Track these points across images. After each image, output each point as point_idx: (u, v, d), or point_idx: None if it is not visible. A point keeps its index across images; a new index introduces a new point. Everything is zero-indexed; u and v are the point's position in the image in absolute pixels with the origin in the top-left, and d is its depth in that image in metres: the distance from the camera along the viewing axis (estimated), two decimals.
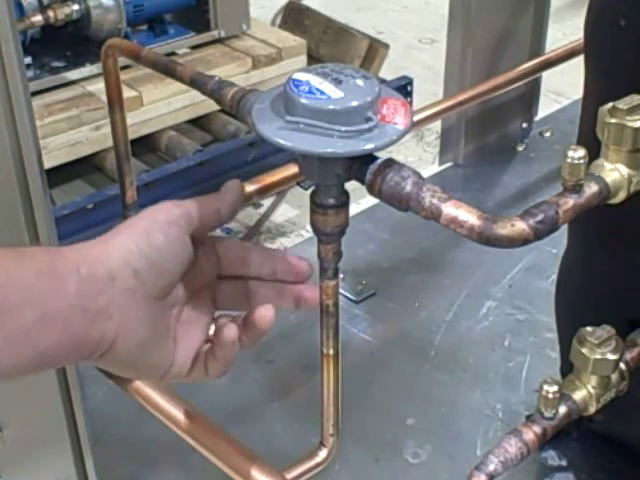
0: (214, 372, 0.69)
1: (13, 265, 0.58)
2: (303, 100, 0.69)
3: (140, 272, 0.62)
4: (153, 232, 0.63)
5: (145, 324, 0.63)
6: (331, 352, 0.88)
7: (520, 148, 1.93)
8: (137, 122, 2.01)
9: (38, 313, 0.57)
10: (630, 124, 0.75)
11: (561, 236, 1.01)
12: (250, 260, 0.71)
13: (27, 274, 0.58)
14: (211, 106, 2.01)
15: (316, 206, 0.76)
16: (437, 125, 1.96)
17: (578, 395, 0.88)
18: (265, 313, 0.68)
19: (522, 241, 0.67)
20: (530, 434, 0.84)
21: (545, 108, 2.03)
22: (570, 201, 0.70)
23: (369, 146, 0.69)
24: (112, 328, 0.61)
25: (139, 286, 0.62)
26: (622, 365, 0.91)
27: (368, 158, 0.72)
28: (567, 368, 0.93)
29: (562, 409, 0.86)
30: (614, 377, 0.90)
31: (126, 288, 0.61)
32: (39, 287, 0.58)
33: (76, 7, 2.08)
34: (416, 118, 1.40)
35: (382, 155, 0.72)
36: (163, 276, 0.63)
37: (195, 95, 1.77)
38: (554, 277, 1.18)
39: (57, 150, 1.96)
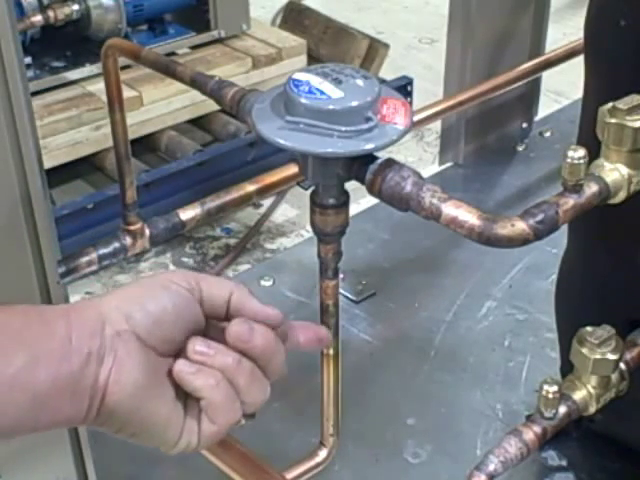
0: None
1: (1, 315, 0.58)
2: (303, 100, 0.69)
3: (132, 316, 0.60)
4: (154, 287, 0.61)
5: (140, 369, 0.59)
6: (331, 352, 0.88)
7: (520, 148, 1.93)
8: (137, 122, 2.01)
9: (29, 355, 0.56)
10: (630, 124, 0.75)
11: (561, 236, 1.01)
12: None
13: (14, 320, 0.58)
14: (211, 106, 2.01)
15: (316, 206, 0.77)
16: (437, 125, 1.96)
17: (578, 395, 0.88)
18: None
19: (522, 241, 0.67)
20: (530, 434, 0.84)
21: (545, 108, 2.03)
22: (570, 201, 0.70)
23: (369, 146, 0.69)
24: (104, 374, 0.58)
25: (131, 330, 0.59)
26: (622, 365, 0.91)
27: (368, 158, 0.72)
28: (567, 368, 0.93)
29: (562, 409, 0.86)
30: (614, 377, 0.90)
31: (118, 331, 0.59)
32: (28, 331, 0.57)
33: (76, 7, 2.08)
34: (416, 118, 1.40)
35: (382, 155, 0.72)
36: (157, 325, 0.60)
37: (195, 95, 1.77)
38: (554, 277, 1.18)
39: (57, 150, 1.96)
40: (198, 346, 0.61)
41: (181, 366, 0.61)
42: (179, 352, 0.61)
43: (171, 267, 1.87)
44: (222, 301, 0.63)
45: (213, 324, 0.63)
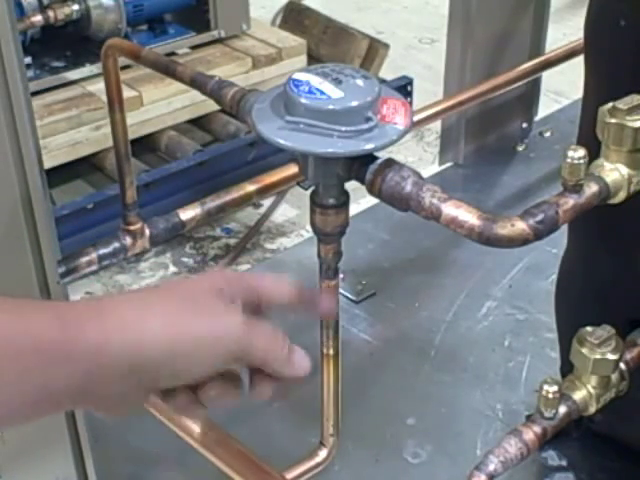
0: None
1: (15, 338, 0.54)
2: (303, 100, 0.69)
3: (159, 379, 0.57)
4: (204, 352, 0.58)
5: (134, 403, 0.59)
6: (331, 352, 0.88)
7: (520, 148, 1.93)
8: (137, 122, 2.01)
9: (34, 390, 0.54)
10: (630, 124, 0.75)
11: (561, 236, 1.01)
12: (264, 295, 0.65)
13: (27, 346, 0.54)
14: (211, 106, 2.00)
15: (316, 206, 0.77)
16: (437, 125, 1.96)
17: (578, 395, 0.88)
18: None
19: (522, 241, 0.67)
20: (530, 434, 0.84)
21: (545, 108, 2.03)
22: (570, 201, 0.70)
23: (369, 146, 0.69)
24: (102, 404, 0.58)
25: (152, 385, 0.58)
26: (622, 365, 0.91)
27: (368, 158, 0.72)
28: (567, 368, 0.93)
29: (562, 409, 0.86)
30: (614, 377, 0.90)
31: (139, 386, 0.57)
32: (37, 365, 0.54)
33: (76, 7, 2.08)
34: (416, 118, 1.40)
35: (382, 155, 0.72)
36: (182, 382, 0.59)
37: (195, 95, 1.77)
38: (554, 277, 1.18)
39: (57, 150, 1.95)
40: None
41: None
42: None
43: (171, 267, 1.87)
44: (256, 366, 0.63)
45: None
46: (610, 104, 0.77)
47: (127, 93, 1.85)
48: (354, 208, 1.15)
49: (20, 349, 0.53)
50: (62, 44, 2.15)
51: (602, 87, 0.97)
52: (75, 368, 0.54)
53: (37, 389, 0.54)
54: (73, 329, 0.54)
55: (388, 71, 2.33)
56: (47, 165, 1.34)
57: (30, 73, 2.00)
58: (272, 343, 0.61)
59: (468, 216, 0.67)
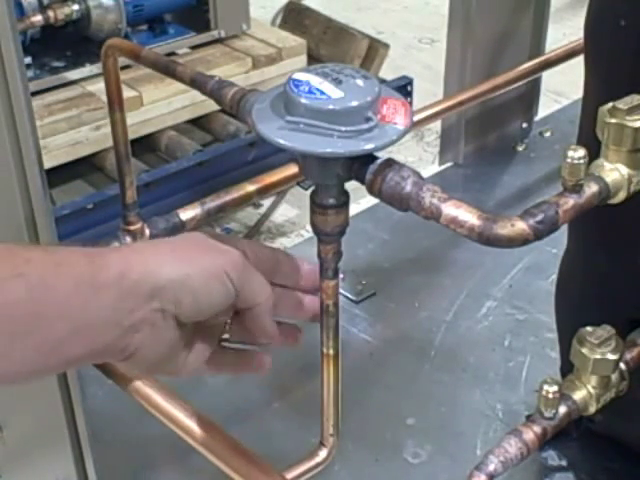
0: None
1: (52, 275, 0.57)
2: (303, 100, 0.69)
3: (182, 304, 0.62)
4: (212, 276, 0.63)
5: (167, 343, 0.63)
6: (331, 352, 0.88)
7: (520, 148, 1.93)
8: (137, 122, 2.01)
9: (72, 326, 0.57)
10: (630, 124, 0.75)
11: (561, 236, 1.01)
12: (280, 270, 0.73)
13: (65, 285, 0.57)
14: (211, 106, 2.00)
15: (316, 206, 0.76)
16: (437, 125, 1.96)
17: (578, 395, 0.88)
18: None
19: (522, 241, 0.67)
20: (530, 434, 0.84)
21: (545, 108, 2.03)
22: (570, 201, 0.70)
23: (369, 146, 0.69)
24: (136, 342, 0.61)
25: (174, 311, 0.62)
26: (622, 365, 0.91)
27: (368, 158, 0.72)
28: (567, 368, 0.93)
29: (562, 409, 0.86)
30: (614, 377, 0.90)
31: (162, 309, 0.61)
32: (76, 300, 0.57)
33: (76, 7, 2.08)
34: (416, 118, 1.40)
35: (382, 155, 0.72)
36: (199, 314, 0.64)
37: (195, 95, 1.77)
38: (554, 277, 1.18)
39: (57, 150, 1.95)
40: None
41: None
42: None
43: None
44: (245, 307, 0.67)
45: None
46: (610, 104, 0.77)
47: (127, 93, 1.85)
48: (354, 208, 1.15)
49: (57, 283, 0.57)
50: (62, 44, 2.15)
51: (602, 87, 0.97)
52: (104, 295, 0.58)
53: (76, 322, 0.57)
54: (98, 261, 0.59)
55: (388, 71, 2.33)
56: (47, 165, 1.35)
57: (30, 73, 2.00)
58: (265, 290, 0.68)
59: (468, 216, 0.67)
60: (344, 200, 0.77)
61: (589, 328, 0.89)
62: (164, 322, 0.62)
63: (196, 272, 0.62)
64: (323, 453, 0.96)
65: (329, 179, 0.74)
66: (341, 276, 0.86)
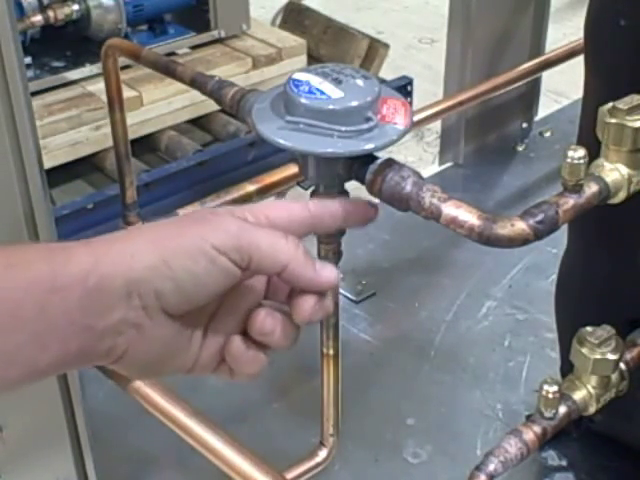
0: (242, 372, 0.59)
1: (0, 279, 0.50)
2: (303, 100, 0.69)
3: (163, 293, 0.52)
4: (196, 255, 0.53)
5: (162, 342, 0.54)
6: (331, 352, 0.88)
7: (520, 148, 1.93)
8: (137, 122, 2.01)
9: (29, 333, 0.50)
10: (630, 124, 0.75)
11: (561, 236, 1.01)
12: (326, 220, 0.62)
13: (15, 288, 0.50)
14: (211, 106, 2.00)
15: None
16: (437, 125, 1.96)
17: (578, 395, 0.88)
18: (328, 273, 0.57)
19: (522, 241, 0.67)
20: (530, 434, 0.84)
21: (545, 108, 2.03)
22: (570, 201, 0.70)
23: (369, 146, 0.69)
24: (121, 345, 0.53)
25: (159, 305, 0.53)
26: (622, 365, 0.91)
27: (368, 158, 0.72)
28: (567, 368, 0.93)
29: (562, 409, 0.86)
30: (614, 377, 0.90)
31: (144, 305, 0.52)
32: (30, 304, 0.50)
33: (76, 7, 2.08)
34: (416, 118, 1.40)
35: (382, 155, 0.72)
36: (190, 303, 0.54)
37: (195, 95, 1.77)
38: (554, 277, 1.18)
39: (57, 150, 1.95)
40: (266, 327, 0.57)
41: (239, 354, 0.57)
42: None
43: None
44: (272, 272, 0.56)
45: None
46: (610, 104, 0.77)
47: (127, 93, 1.85)
48: None
49: (6, 287, 0.50)
50: (62, 44, 2.16)
51: (602, 87, 0.97)
52: (66, 296, 0.50)
53: (33, 328, 0.50)
54: (60, 257, 0.51)
55: (388, 71, 2.33)
56: (47, 165, 1.35)
57: (30, 73, 2.00)
58: (280, 240, 0.56)
59: (468, 216, 0.67)
60: None
61: (589, 328, 0.89)
62: (150, 321, 0.53)
63: (173, 254, 0.52)
64: (323, 453, 0.96)
65: (329, 179, 0.74)
66: (341, 276, 0.86)
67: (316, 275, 0.57)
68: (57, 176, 1.93)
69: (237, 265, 0.54)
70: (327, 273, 0.57)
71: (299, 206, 0.60)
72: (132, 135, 1.20)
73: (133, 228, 0.57)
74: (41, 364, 0.51)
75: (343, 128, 0.68)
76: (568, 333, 0.93)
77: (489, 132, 1.90)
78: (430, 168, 1.95)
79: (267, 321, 0.57)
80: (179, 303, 0.53)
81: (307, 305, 0.57)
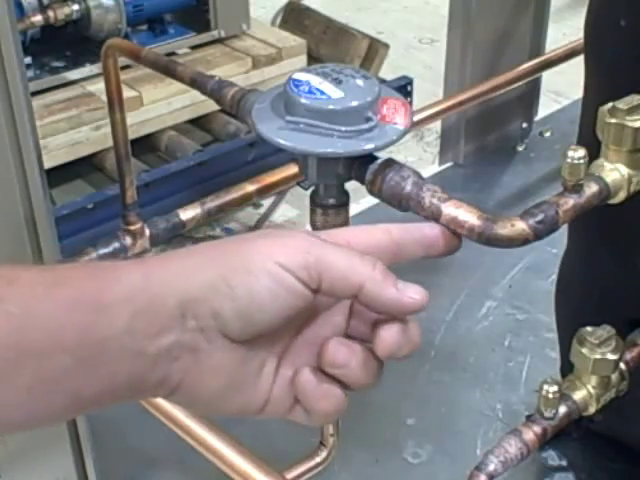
0: (315, 410, 0.55)
1: (40, 299, 0.45)
2: (303, 100, 0.69)
3: (221, 314, 0.47)
4: (258, 273, 0.47)
5: (223, 371, 0.49)
6: None
7: (520, 148, 1.93)
8: (137, 122, 2.01)
9: (72, 357, 0.45)
10: (630, 124, 0.75)
11: (561, 236, 1.01)
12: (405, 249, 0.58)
13: (58, 308, 0.45)
14: (211, 106, 2.00)
15: (316, 206, 0.76)
16: (437, 125, 1.96)
17: (578, 395, 0.88)
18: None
19: (522, 241, 0.67)
20: (530, 434, 0.84)
21: (545, 108, 2.03)
22: (570, 201, 0.70)
23: (369, 146, 0.69)
24: (177, 373, 0.47)
25: (217, 327, 0.47)
26: (622, 365, 0.91)
27: (368, 158, 0.72)
28: (567, 368, 0.93)
29: (562, 409, 0.86)
30: (614, 377, 0.90)
31: (201, 327, 0.47)
32: (72, 325, 0.45)
33: (76, 7, 2.08)
34: (416, 118, 1.40)
35: (382, 155, 0.72)
36: (253, 326, 0.48)
37: (195, 95, 1.77)
38: (554, 277, 1.18)
39: (57, 150, 1.95)
40: (339, 358, 0.51)
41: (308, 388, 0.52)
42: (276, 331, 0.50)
43: None
44: (347, 295, 0.50)
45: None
46: (610, 104, 0.77)
47: (127, 93, 1.85)
48: (354, 208, 1.15)
49: (46, 307, 0.45)
50: (62, 44, 2.15)
51: (602, 87, 0.97)
52: (112, 316, 0.45)
53: (76, 353, 0.45)
54: (105, 275, 0.47)
55: (388, 71, 2.33)
56: (47, 165, 1.34)
57: (30, 73, 2.00)
58: (354, 258, 0.50)
59: (468, 216, 0.67)
60: (344, 200, 0.77)
61: (589, 328, 0.89)
62: (209, 345, 0.47)
63: (232, 271, 0.47)
64: (323, 453, 0.96)
65: (329, 179, 0.74)
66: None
67: (398, 295, 0.51)
68: (57, 176, 1.93)
69: (305, 285, 0.48)
70: (411, 293, 0.52)
71: (381, 231, 0.55)
72: (132, 135, 1.20)
73: (193, 246, 0.52)
74: (85, 393, 0.46)
75: (343, 128, 0.68)
76: (568, 333, 0.93)
77: (489, 132, 1.90)
78: (430, 168, 1.95)
79: (340, 351, 0.51)
80: (241, 326, 0.48)
81: (388, 334, 0.51)
